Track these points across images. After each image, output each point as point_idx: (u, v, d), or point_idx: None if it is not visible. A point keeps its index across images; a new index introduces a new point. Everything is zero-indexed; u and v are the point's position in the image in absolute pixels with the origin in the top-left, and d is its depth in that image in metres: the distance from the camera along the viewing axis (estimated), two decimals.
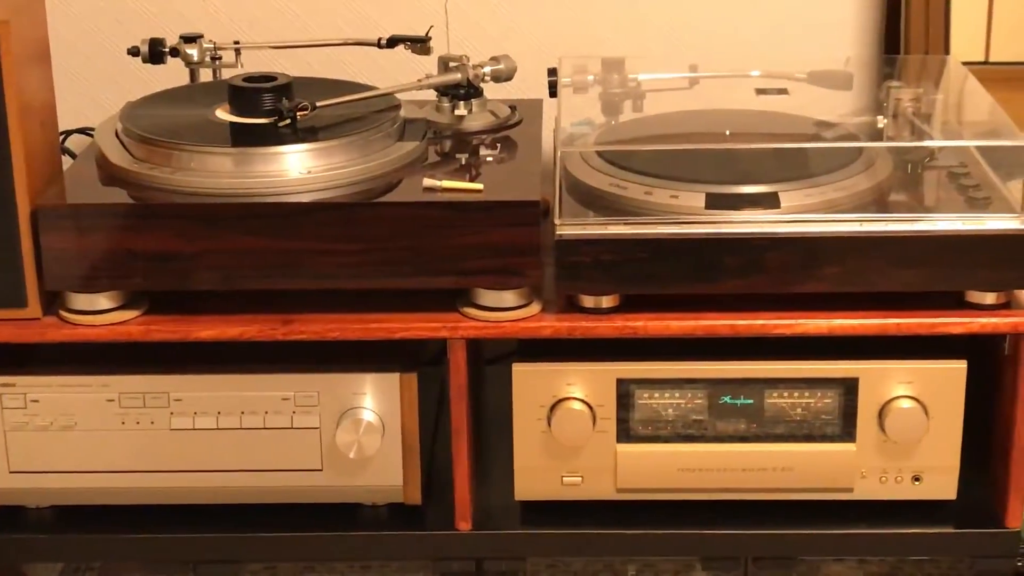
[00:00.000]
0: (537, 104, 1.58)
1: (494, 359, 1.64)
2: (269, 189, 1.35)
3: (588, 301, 1.36)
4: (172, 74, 1.63)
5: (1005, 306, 1.34)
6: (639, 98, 1.60)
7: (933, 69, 1.68)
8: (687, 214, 1.35)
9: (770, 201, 1.36)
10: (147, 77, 1.71)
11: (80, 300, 1.35)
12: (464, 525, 1.41)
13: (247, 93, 1.43)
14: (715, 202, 1.36)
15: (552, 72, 1.57)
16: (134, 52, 1.58)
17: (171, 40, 1.58)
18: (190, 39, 1.58)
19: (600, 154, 1.44)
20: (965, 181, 1.40)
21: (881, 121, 1.51)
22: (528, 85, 1.64)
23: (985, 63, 3.05)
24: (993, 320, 1.33)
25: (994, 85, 1.54)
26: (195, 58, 1.58)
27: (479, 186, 1.35)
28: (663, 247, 1.33)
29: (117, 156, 1.40)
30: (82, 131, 1.62)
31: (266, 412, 1.38)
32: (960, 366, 1.36)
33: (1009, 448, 1.37)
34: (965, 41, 1.76)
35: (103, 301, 1.35)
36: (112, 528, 1.41)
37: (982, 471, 1.42)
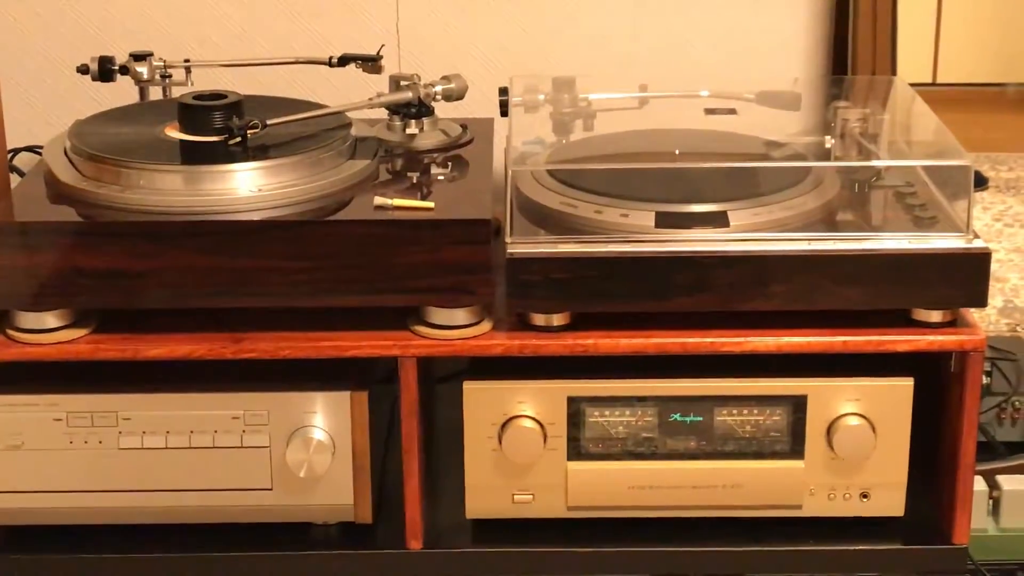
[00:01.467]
0: (488, 123, 1.59)
1: (445, 377, 1.64)
2: (219, 207, 1.35)
3: (539, 319, 1.36)
4: (121, 92, 1.63)
5: (951, 324, 1.36)
6: (590, 117, 1.61)
7: (880, 90, 1.70)
8: (637, 232, 1.36)
9: (719, 220, 1.37)
10: (96, 95, 1.71)
11: (27, 319, 1.34)
12: (415, 544, 1.40)
13: (197, 111, 1.43)
14: (665, 221, 1.36)
15: (503, 91, 1.58)
16: (83, 70, 1.57)
17: (121, 58, 1.58)
18: (140, 57, 1.58)
19: (551, 173, 1.45)
20: (911, 200, 1.42)
21: (829, 141, 1.52)
22: (479, 104, 1.65)
23: (932, 84, 3.09)
24: (940, 338, 1.34)
25: (941, 106, 1.56)
26: (145, 76, 1.58)
27: (430, 204, 1.35)
28: (613, 265, 1.33)
29: (66, 174, 1.40)
30: (30, 149, 1.61)
31: (215, 431, 1.38)
32: (907, 383, 1.37)
33: (956, 464, 1.38)
34: (912, 62, 1.79)
35: (51, 319, 1.34)
36: (59, 549, 1.40)
37: (929, 488, 1.44)
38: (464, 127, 1.55)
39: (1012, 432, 1.88)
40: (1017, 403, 1.90)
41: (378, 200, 1.36)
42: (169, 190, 1.35)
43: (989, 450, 1.75)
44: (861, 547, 1.40)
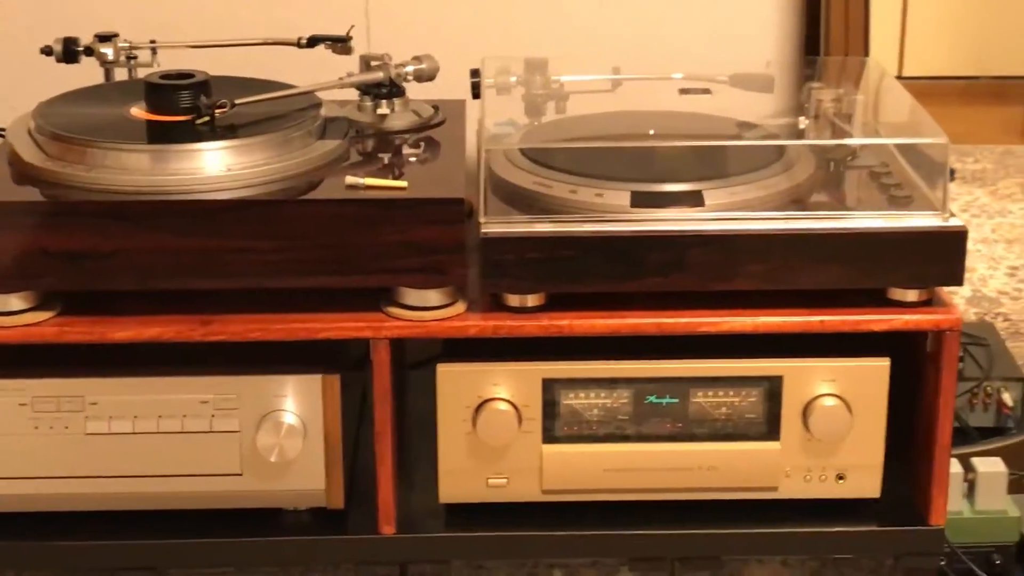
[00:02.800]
0: (460, 105, 1.57)
1: (416, 364, 1.62)
2: (187, 187, 1.32)
3: (513, 300, 1.34)
4: (86, 75, 1.60)
5: (927, 303, 1.35)
6: (562, 99, 1.59)
7: (853, 70, 1.69)
8: (612, 212, 1.35)
9: (694, 199, 1.36)
10: (60, 78, 1.68)
11: None
12: (388, 529, 1.39)
13: (164, 90, 1.41)
14: (640, 200, 1.35)
15: (475, 73, 1.56)
16: (47, 51, 1.55)
17: (85, 40, 1.55)
18: (105, 38, 1.55)
19: (525, 153, 1.43)
20: (887, 180, 1.41)
21: (803, 122, 1.52)
22: (450, 87, 1.62)
23: (899, 78, 3.08)
24: (916, 317, 1.34)
25: None
26: (110, 57, 1.55)
27: (403, 183, 1.33)
28: (588, 245, 1.32)
29: (30, 154, 1.37)
30: None
31: (184, 415, 1.36)
32: (883, 363, 1.36)
33: (932, 445, 1.38)
34: (879, 55, 1.78)
35: (15, 302, 1.31)
36: (26, 535, 1.37)
37: (905, 469, 1.43)
38: (436, 108, 1.53)
39: (984, 417, 1.88)
40: (989, 388, 1.90)
41: (350, 179, 1.34)
42: (136, 169, 1.33)
43: (962, 435, 1.75)
44: (837, 529, 1.40)
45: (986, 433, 1.87)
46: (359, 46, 1.57)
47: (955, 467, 1.53)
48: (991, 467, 1.55)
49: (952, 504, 1.46)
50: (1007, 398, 1.88)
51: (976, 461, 1.56)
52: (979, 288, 2.58)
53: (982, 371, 1.91)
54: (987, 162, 3.36)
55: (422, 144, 1.46)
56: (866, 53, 1.71)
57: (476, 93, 1.56)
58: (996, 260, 2.74)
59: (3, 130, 1.52)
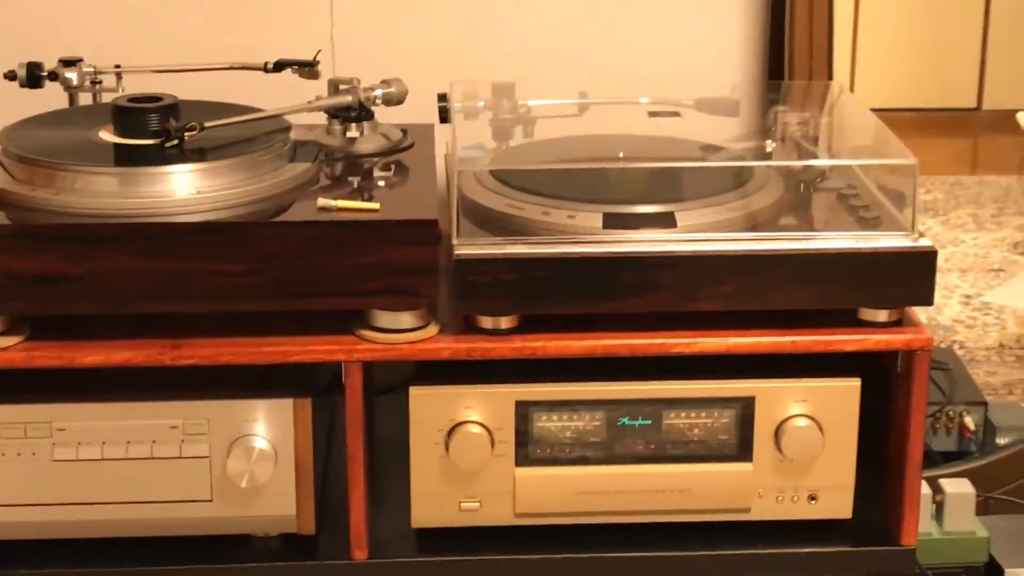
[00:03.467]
0: (428, 129, 1.57)
1: (385, 390, 1.61)
2: (157, 209, 1.31)
3: (486, 322, 1.34)
4: (49, 101, 1.58)
5: (897, 323, 1.36)
6: (530, 123, 1.60)
7: (818, 94, 1.70)
8: (585, 233, 1.35)
9: (666, 221, 1.36)
10: (22, 104, 1.66)
11: None
12: (360, 554, 1.37)
13: (132, 113, 1.40)
14: (612, 222, 1.36)
15: (442, 97, 1.56)
16: (11, 76, 1.54)
17: (49, 64, 1.54)
18: (70, 63, 1.54)
19: (496, 176, 1.43)
20: (854, 202, 1.42)
21: (769, 145, 1.53)
22: (416, 111, 1.62)
23: None
24: (886, 337, 1.34)
25: None
26: (75, 82, 1.54)
27: (375, 205, 1.33)
28: (561, 266, 1.32)
29: None
30: None
31: (153, 441, 1.34)
32: (854, 384, 1.37)
33: (903, 465, 1.38)
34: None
35: None
36: None
37: (877, 489, 1.43)
38: (404, 132, 1.53)
39: (947, 441, 1.90)
40: (951, 412, 1.92)
41: (322, 202, 1.33)
42: (105, 192, 1.32)
43: (926, 459, 1.76)
44: (810, 549, 1.40)
45: (949, 457, 1.88)
46: (325, 71, 1.57)
47: (924, 489, 1.54)
48: (959, 488, 1.57)
49: (921, 525, 1.46)
50: (969, 422, 1.90)
51: (944, 482, 1.58)
52: (934, 317, 2.61)
53: (944, 395, 1.93)
54: (938, 192, 3.40)
55: (392, 167, 1.46)
56: (830, 77, 1.72)
57: (444, 117, 1.56)
58: (950, 289, 2.77)
59: None
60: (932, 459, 1.83)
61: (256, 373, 1.34)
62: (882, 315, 1.35)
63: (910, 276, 1.33)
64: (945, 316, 2.65)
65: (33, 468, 1.33)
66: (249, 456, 1.34)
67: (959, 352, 2.40)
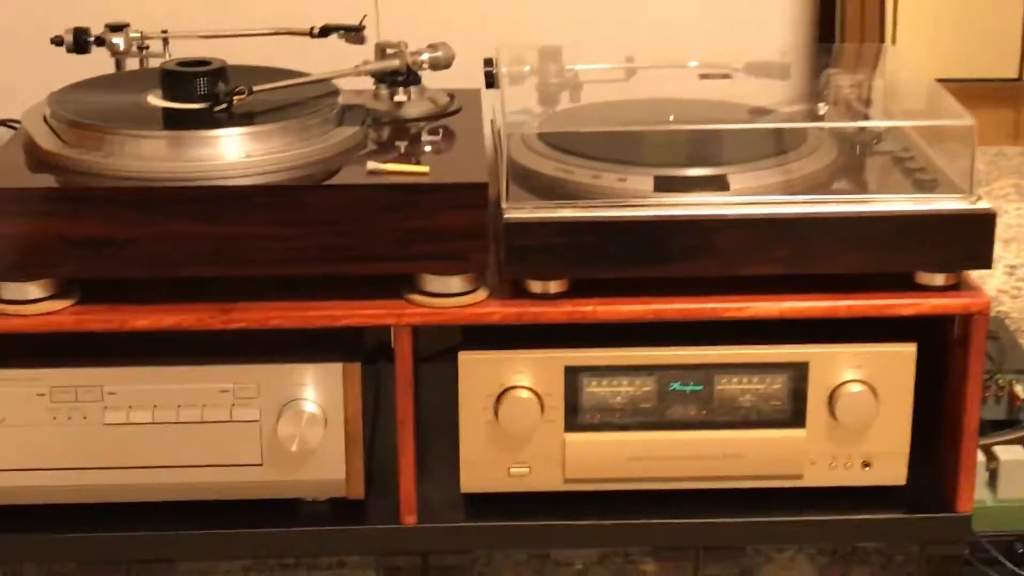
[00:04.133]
0: (475, 94, 1.55)
1: (429, 357, 1.60)
2: (206, 173, 1.31)
3: (536, 286, 1.33)
4: (95, 67, 1.58)
5: (954, 287, 1.34)
6: (576, 88, 1.58)
7: (870, 56, 1.68)
8: (635, 197, 1.33)
9: (719, 183, 1.34)
10: (68, 71, 1.65)
11: (9, 289, 1.29)
12: (409, 519, 1.37)
13: (181, 77, 1.39)
14: (664, 185, 1.34)
15: (488, 62, 1.55)
16: (58, 42, 1.53)
17: (96, 30, 1.53)
18: (116, 28, 1.54)
19: (545, 139, 1.42)
20: (910, 164, 1.40)
21: (822, 108, 1.51)
22: (463, 78, 1.61)
23: None
24: (943, 301, 1.33)
25: None
26: (121, 47, 1.53)
27: (425, 169, 1.32)
28: (611, 230, 1.31)
29: (46, 141, 1.35)
30: (3, 123, 1.56)
31: (204, 405, 1.34)
32: (910, 349, 1.35)
33: (959, 432, 1.36)
34: None
35: (33, 290, 1.29)
36: (43, 528, 1.35)
37: (932, 456, 1.42)
38: (452, 96, 1.52)
39: (996, 410, 1.87)
40: (1001, 381, 1.89)
41: (371, 165, 1.32)
42: (155, 156, 1.31)
43: None
44: (863, 517, 1.38)
45: (998, 425, 1.86)
46: (369, 36, 1.55)
47: (977, 456, 1.52)
48: (1014, 455, 1.54)
49: (975, 493, 1.44)
50: (1019, 390, 1.87)
51: (998, 450, 1.55)
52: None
53: (993, 364, 1.90)
54: (980, 163, 3.37)
55: (440, 131, 1.45)
56: (882, 39, 1.70)
57: (490, 82, 1.55)
58: (994, 260, 2.74)
59: (16, 122, 1.50)
60: (981, 427, 1.80)
61: (305, 337, 1.34)
62: (939, 279, 1.33)
63: (968, 238, 1.31)
64: (989, 287, 2.62)
65: (84, 432, 1.33)
66: (299, 420, 1.33)
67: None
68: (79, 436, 1.33)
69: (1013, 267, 2.70)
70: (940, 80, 1.62)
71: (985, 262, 1.32)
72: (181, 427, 1.34)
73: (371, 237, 1.29)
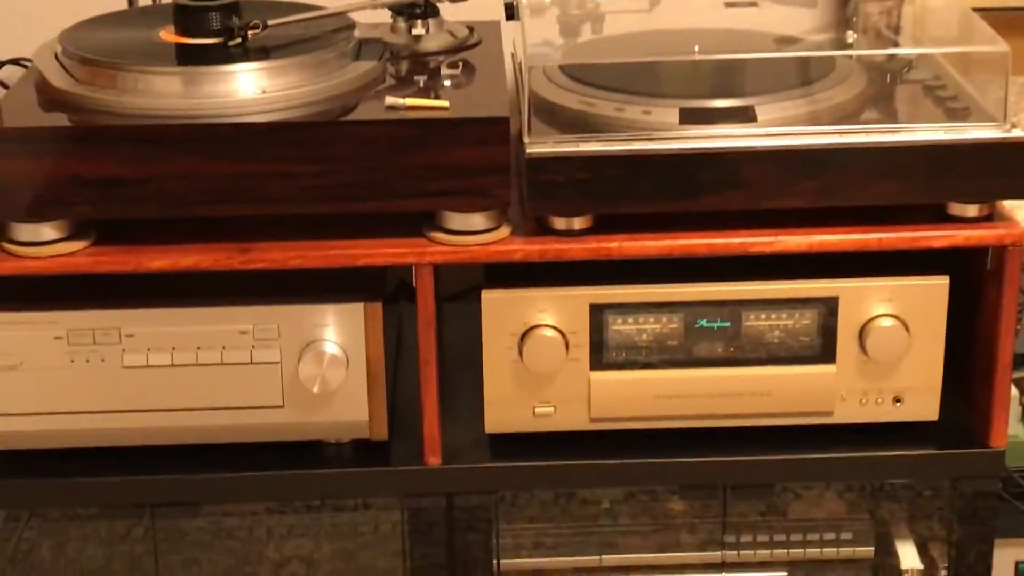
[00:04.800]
0: (495, 26, 1.52)
1: (450, 296, 1.58)
2: (222, 110, 1.28)
3: (559, 223, 1.30)
4: (106, 2, 1.55)
5: (987, 218, 1.31)
6: (598, 20, 1.55)
7: None
8: (660, 130, 1.30)
9: (746, 115, 1.31)
10: (78, 8, 1.63)
11: (24, 231, 1.27)
12: (434, 460, 1.35)
13: (194, 12, 1.36)
14: (690, 117, 1.31)
15: None
16: None
17: None
18: None
19: (568, 72, 1.38)
20: (942, 93, 1.37)
21: (851, 36, 1.47)
22: (481, 10, 1.57)
23: None
24: (977, 232, 1.30)
25: None
26: None
27: (445, 103, 1.29)
28: (636, 164, 1.28)
29: (58, 79, 1.33)
30: (15, 62, 1.54)
31: (223, 347, 1.32)
32: (942, 281, 1.32)
33: (992, 366, 1.34)
34: None
35: (48, 231, 1.27)
36: (63, 472, 1.34)
37: (964, 391, 1.39)
38: (471, 29, 1.48)
39: None
40: None
41: (389, 100, 1.29)
42: (168, 93, 1.29)
43: None
44: (894, 453, 1.36)
45: None
46: None
47: (1010, 390, 1.49)
48: None
49: (1007, 428, 1.42)
50: None
51: None
52: None
53: None
54: (1012, 93, 3.32)
55: (459, 65, 1.41)
56: None
57: (510, 14, 1.51)
58: None
59: (28, 60, 1.48)
60: (1015, 361, 1.77)
61: (325, 277, 1.32)
62: (972, 210, 1.30)
63: (1002, 168, 1.28)
64: (1020, 219, 2.59)
65: (103, 375, 1.31)
66: (320, 361, 1.32)
67: None
68: (98, 379, 1.31)
69: None
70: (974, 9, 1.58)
71: (1019, 192, 1.29)
72: (201, 369, 1.32)
73: (390, 174, 1.27)
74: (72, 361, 1.31)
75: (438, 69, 1.41)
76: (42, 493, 1.35)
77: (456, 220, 1.29)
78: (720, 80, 1.38)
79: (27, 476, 1.34)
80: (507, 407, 1.35)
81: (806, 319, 1.33)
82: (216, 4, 1.36)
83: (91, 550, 1.47)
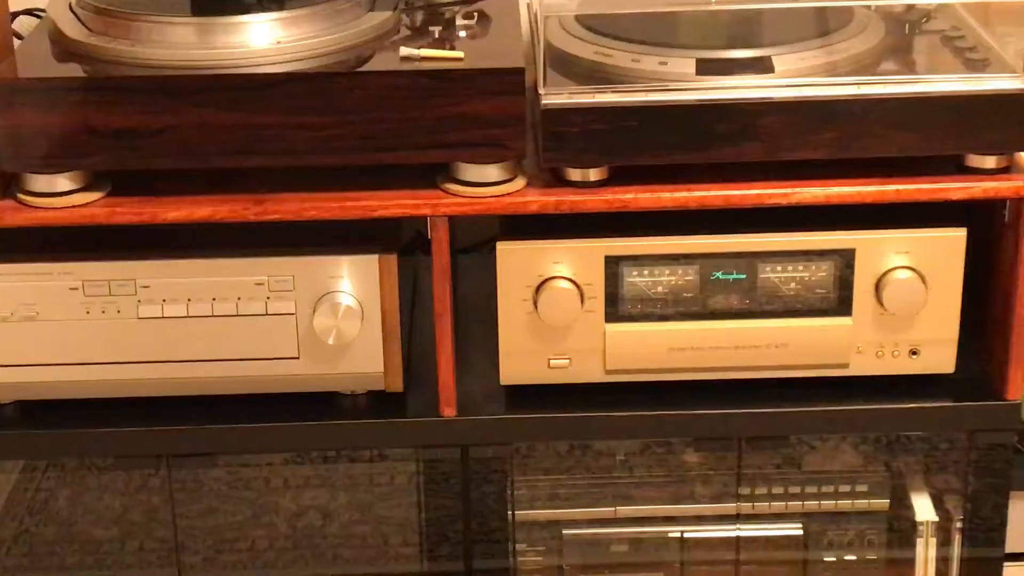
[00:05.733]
0: None
1: (465, 249, 1.58)
2: (236, 60, 1.28)
3: (575, 174, 1.30)
4: None
5: (1006, 170, 1.30)
6: None
7: None
8: (677, 80, 1.29)
9: (763, 66, 1.30)
10: None
11: (39, 182, 1.27)
12: (449, 411, 1.35)
13: None
14: (706, 68, 1.30)
15: None
16: None
17: None
18: None
19: (583, 22, 1.38)
20: (960, 44, 1.36)
21: None
22: None
23: None
24: (995, 184, 1.29)
25: None
26: None
27: (460, 54, 1.28)
28: (652, 115, 1.27)
29: (72, 29, 1.32)
30: (30, 12, 1.53)
31: (239, 298, 1.32)
32: (959, 234, 1.32)
33: (1009, 319, 1.33)
34: None
35: (63, 183, 1.27)
36: (79, 423, 1.34)
37: (980, 344, 1.39)
38: None
39: None
40: None
41: (404, 51, 1.29)
42: (182, 43, 1.28)
43: None
44: (910, 405, 1.36)
45: None
46: None
47: None
48: None
49: None
50: None
51: None
52: None
53: None
54: None
55: (475, 15, 1.41)
56: None
57: None
58: None
59: (42, 10, 1.47)
60: None
61: (341, 229, 1.32)
62: (990, 161, 1.29)
63: (1021, 119, 1.27)
64: None
65: (118, 326, 1.32)
66: (335, 312, 1.32)
67: None
68: (113, 330, 1.32)
69: None
70: None
71: None
72: (216, 320, 1.32)
73: (405, 125, 1.26)
74: (88, 312, 1.31)
75: (453, 19, 1.40)
76: (59, 443, 1.36)
77: (471, 172, 1.29)
78: (737, 31, 1.37)
79: (44, 426, 1.34)
80: (522, 359, 1.35)
81: (822, 271, 1.33)
82: None
83: (108, 500, 1.48)
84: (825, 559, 1.47)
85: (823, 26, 1.36)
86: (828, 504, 1.45)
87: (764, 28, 1.38)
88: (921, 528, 1.43)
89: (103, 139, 1.25)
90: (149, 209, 1.28)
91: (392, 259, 1.33)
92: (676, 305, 1.34)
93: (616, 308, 1.34)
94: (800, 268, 1.33)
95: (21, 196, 1.28)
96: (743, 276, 1.33)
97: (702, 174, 1.30)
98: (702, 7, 1.40)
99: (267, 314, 1.32)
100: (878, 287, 1.32)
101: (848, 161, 1.29)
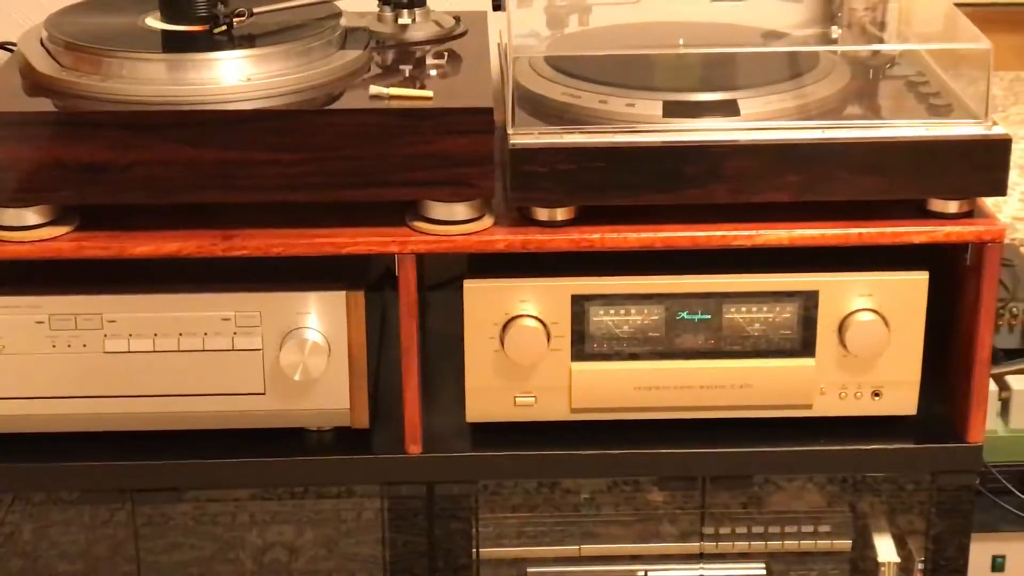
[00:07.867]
0: (481, 16, 1.53)
1: (435, 286, 1.59)
2: (206, 97, 1.28)
3: (542, 214, 1.31)
4: None
5: (968, 215, 1.31)
6: (585, 12, 1.55)
7: None
8: (644, 122, 1.31)
9: (729, 109, 1.32)
10: None
11: (7, 216, 1.28)
12: (415, 448, 1.36)
13: None
14: (673, 110, 1.31)
15: None
16: None
17: None
18: None
19: (553, 63, 1.39)
20: (924, 89, 1.37)
21: (835, 31, 1.47)
22: (467, 0, 1.58)
23: None
24: (957, 229, 1.30)
25: None
26: None
27: (429, 93, 1.29)
28: (619, 156, 1.28)
29: (43, 64, 1.33)
30: (0, 46, 1.54)
31: (205, 333, 1.32)
32: (922, 277, 1.33)
33: (971, 361, 1.35)
34: None
35: (31, 216, 1.28)
36: (44, 456, 1.34)
37: (943, 385, 1.40)
38: (457, 19, 1.48)
39: (1010, 339, 1.85)
40: (1015, 309, 1.87)
41: (374, 89, 1.30)
42: (153, 79, 1.29)
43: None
44: (873, 446, 1.37)
45: (1012, 354, 1.84)
46: None
47: (989, 385, 1.50)
48: None
49: (987, 423, 1.43)
50: None
51: (1011, 379, 1.54)
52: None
53: (1008, 292, 1.88)
54: (997, 88, 3.32)
55: (445, 55, 1.42)
56: None
57: (497, 5, 1.52)
58: (1010, 187, 2.71)
59: (13, 44, 1.48)
60: (995, 356, 1.78)
61: (308, 265, 1.32)
62: (952, 206, 1.31)
63: (983, 165, 1.29)
64: (1004, 214, 2.59)
65: (84, 360, 1.32)
66: (302, 349, 1.32)
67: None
68: (80, 364, 1.32)
69: None
70: (959, 4, 1.58)
71: (1000, 189, 1.29)
72: (183, 355, 1.32)
73: (374, 163, 1.27)
74: (54, 346, 1.31)
75: (424, 59, 1.41)
76: (24, 477, 1.35)
77: (439, 210, 1.30)
78: (704, 73, 1.38)
79: (9, 460, 1.34)
80: (488, 396, 1.36)
81: (786, 312, 1.34)
82: None
83: (73, 534, 1.47)
84: None
85: (789, 70, 1.37)
86: (792, 544, 1.46)
87: (731, 71, 1.39)
88: (883, 569, 1.43)
89: (72, 173, 1.26)
90: (117, 243, 1.28)
91: (359, 296, 1.33)
92: (642, 344, 1.35)
93: (582, 347, 1.35)
94: (764, 309, 1.34)
95: None
96: (708, 316, 1.34)
97: (668, 215, 1.31)
98: (670, 51, 1.41)
99: (233, 349, 1.32)
100: (841, 329, 1.34)
101: (813, 204, 1.31)
